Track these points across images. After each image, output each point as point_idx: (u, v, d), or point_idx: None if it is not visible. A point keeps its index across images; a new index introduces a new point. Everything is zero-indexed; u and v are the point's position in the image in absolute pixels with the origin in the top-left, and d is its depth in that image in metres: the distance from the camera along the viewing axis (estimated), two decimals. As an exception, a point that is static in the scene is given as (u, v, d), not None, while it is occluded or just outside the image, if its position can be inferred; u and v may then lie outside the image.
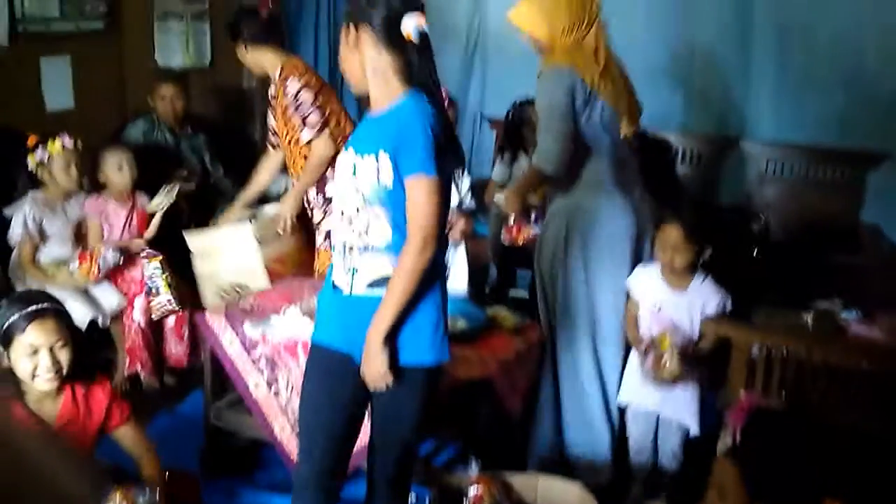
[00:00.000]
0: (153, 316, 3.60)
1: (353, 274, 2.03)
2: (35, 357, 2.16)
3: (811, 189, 4.75)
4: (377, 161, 1.94)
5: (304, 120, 3.48)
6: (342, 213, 2.04)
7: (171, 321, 3.68)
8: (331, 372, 2.11)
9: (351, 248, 2.03)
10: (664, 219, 2.84)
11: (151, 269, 3.58)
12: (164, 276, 3.58)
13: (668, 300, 2.86)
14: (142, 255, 3.63)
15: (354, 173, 1.98)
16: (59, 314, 2.23)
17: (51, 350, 2.17)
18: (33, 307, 2.18)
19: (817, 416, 2.64)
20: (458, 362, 2.62)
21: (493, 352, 2.75)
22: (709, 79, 5.09)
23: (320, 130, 3.47)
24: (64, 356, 2.20)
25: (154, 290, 3.58)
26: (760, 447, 2.36)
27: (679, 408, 2.89)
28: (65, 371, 2.21)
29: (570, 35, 2.80)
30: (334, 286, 2.09)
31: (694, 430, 2.90)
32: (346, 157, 2.03)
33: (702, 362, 2.86)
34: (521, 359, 2.82)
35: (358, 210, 2.00)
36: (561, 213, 2.94)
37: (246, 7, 4.14)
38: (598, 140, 2.85)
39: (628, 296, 2.93)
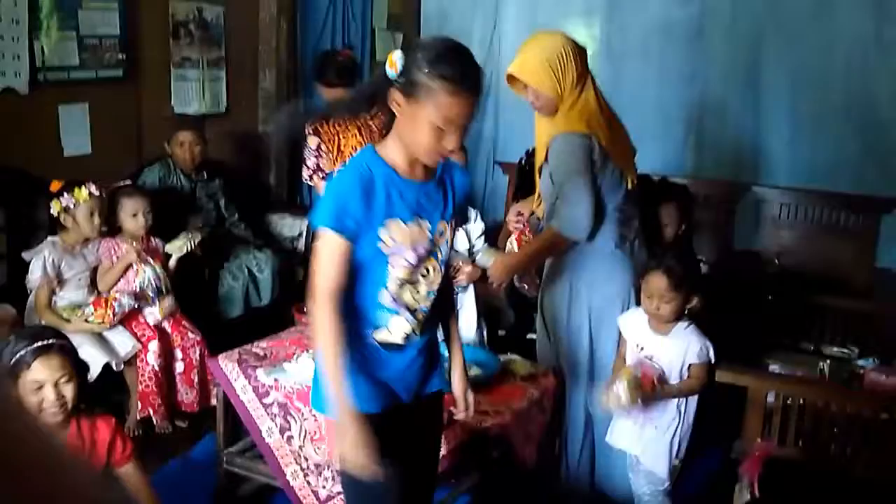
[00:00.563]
0: (160, 317, 3.63)
1: (413, 330, 2.02)
2: (40, 392, 2.18)
3: (825, 234, 4.75)
4: (451, 225, 2.00)
5: (304, 161, 3.89)
6: (409, 280, 1.97)
7: (179, 368, 3.69)
8: (392, 435, 2.04)
9: (416, 311, 2.00)
10: (650, 267, 2.78)
11: (156, 272, 3.65)
12: (166, 279, 3.67)
13: (650, 341, 2.81)
14: (139, 260, 3.66)
15: (432, 240, 1.96)
16: (64, 349, 2.25)
17: (56, 385, 2.19)
18: (38, 343, 2.20)
19: (835, 466, 2.61)
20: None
21: (507, 400, 2.73)
22: (720, 125, 5.12)
23: (313, 174, 3.85)
24: (68, 391, 2.21)
25: (163, 291, 3.65)
26: (780, 501, 2.32)
27: (649, 451, 2.82)
28: (69, 405, 2.22)
29: (575, 90, 2.77)
30: (390, 347, 2.01)
31: (661, 475, 2.80)
32: (414, 226, 1.94)
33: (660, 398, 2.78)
34: (535, 407, 2.80)
35: (431, 272, 1.99)
36: (566, 270, 2.92)
37: (327, 52, 4.59)
38: (608, 200, 2.83)
39: (620, 335, 2.92)
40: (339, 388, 1.85)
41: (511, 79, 2.86)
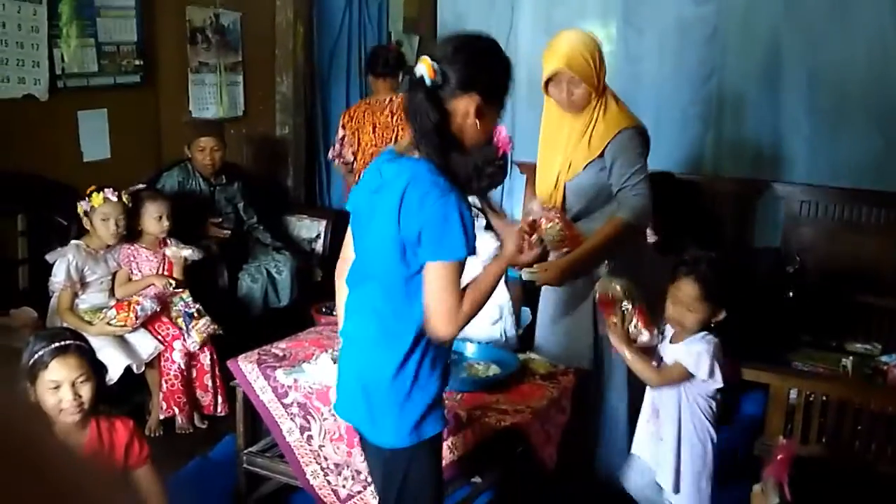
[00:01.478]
0: (198, 340, 3.62)
1: None
2: (58, 392, 2.20)
3: (846, 231, 4.70)
4: None
5: (333, 144, 4.70)
6: None
7: (193, 373, 3.70)
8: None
9: None
10: (680, 274, 2.53)
11: (185, 298, 3.69)
12: (196, 304, 3.70)
13: (665, 351, 2.65)
14: (169, 291, 3.70)
15: None
16: (81, 350, 2.26)
17: (73, 385, 2.21)
18: (55, 344, 2.22)
19: (859, 463, 2.57)
20: (491, 410, 2.60)
21: (527, 399, 2.72)
22: (739, 122, 5.08)
23: (336, 158, 4.66)
24: (85, 391, 2.23)
25: (196, 314, 3.67)
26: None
27: (659, 465, 2.66)
28: (87, 405, 2.24)
29: (604, 86, 2.85)
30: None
31: (667, 489, 2.63)
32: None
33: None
34: (554, 407, 2.78)
35: None
36: (626, 270, 2.80)
37: (376, 48, 5.04)
38: None
39: None
40: (498, 268, 2.07)
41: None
